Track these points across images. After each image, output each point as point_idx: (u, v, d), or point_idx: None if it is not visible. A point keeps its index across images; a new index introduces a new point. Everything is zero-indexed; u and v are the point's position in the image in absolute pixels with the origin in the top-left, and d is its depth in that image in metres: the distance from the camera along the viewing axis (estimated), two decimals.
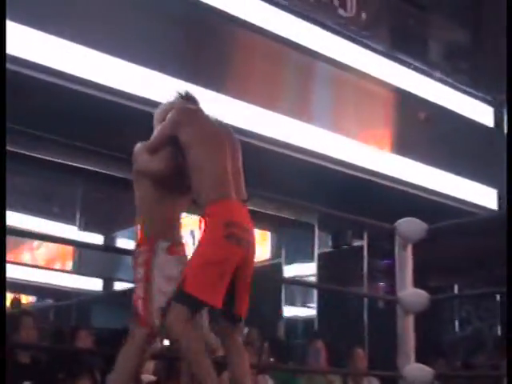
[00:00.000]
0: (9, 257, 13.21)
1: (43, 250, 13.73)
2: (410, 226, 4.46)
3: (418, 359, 4.35)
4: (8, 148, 6.54)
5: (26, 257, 13.77)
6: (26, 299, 14.42)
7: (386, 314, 6.86)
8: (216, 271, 2.98)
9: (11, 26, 5.24)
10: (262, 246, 12.03)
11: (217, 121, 3.41)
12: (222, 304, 3.03)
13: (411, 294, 4.41)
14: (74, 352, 5.05)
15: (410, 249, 4.47)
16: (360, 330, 9.21)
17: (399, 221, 4.47)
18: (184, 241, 3.38)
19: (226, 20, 6.77)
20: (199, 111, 3.41)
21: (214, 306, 3.03)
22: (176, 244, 3.30)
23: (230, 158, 3.24)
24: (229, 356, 3.18)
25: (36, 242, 13.45)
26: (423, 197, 8.22)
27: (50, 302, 14.44)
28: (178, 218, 3.43)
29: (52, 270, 13.29)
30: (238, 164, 3.29)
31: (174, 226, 3.37)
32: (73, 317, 12.71)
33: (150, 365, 5.04)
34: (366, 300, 9.49)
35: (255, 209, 9.10)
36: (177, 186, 3.31)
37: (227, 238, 3.00)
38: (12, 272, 12.15)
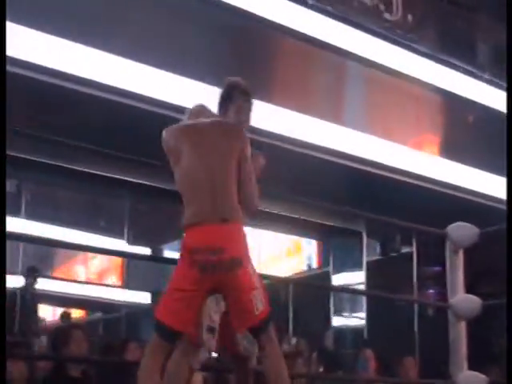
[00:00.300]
0: (61, 270, 13.46)
1: (95, 264, 13.91)
2: (462, 231, 4.37)
3: (471, 367, 4.26)
4: (57, 163, 6.66)
5: (79, 270, 13.97)
6: (80, 313, 14.62)
7: (436, 321, 6.76)
8: (179, 297, 2.96)
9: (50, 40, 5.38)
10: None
11: (216, 125, 3.24)
12: (190, 329, 3.01)
13: (463, 299, 4.32)
14: (124, 364, 5.05)
15: (461, 254, 4.39)
16: (410, 338, 9.10)
17: (451, 226, 4.39)
18: None
19: (271, 28, 6.77)
20: (186, 126, 3.29)
21: (182, 332, 3.00)
22: None
23: (217, 169, 3.08)
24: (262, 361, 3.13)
25: (89, 256, 13.63)
26: (471, 200, 8.10)
27: (99, 315, 14.60)
28: None
29: (101, 285, 13.47)
30: (228, 173, 3.09)
31: None
32: (122, 329, 12.82)
33: (198, 377, 5.01)
34: (415, 307, 9.38)
35: (302, 217, 9.12)
36: None
37: (191, 266, 2.95)
38: (62, 287, 12.35)
